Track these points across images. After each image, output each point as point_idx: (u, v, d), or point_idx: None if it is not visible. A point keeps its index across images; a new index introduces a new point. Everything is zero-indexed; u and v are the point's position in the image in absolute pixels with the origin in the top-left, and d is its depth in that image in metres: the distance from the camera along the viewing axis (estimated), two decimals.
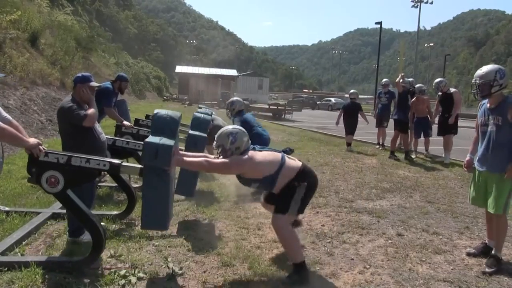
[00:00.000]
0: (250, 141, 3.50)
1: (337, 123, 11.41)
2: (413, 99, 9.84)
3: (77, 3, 45.28)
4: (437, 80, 9.61)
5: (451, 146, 9.33)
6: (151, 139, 3.26)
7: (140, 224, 3.39)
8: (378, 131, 11.70)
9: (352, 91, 12.11)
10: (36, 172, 3.18)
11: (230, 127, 3.49)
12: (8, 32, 12.61)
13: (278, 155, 3.48)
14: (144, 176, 3.32)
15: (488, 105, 3.76)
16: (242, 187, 3.81)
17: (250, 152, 3.38)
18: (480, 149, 3.82)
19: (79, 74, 4.04)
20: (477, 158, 3.87)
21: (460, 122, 9.99)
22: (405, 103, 9.79)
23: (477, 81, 3.69)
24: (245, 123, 5.98)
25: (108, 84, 6.52)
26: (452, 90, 9.32)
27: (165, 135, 3.36)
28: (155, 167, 3.21)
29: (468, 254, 3.96)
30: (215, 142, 3.42)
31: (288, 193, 3.38)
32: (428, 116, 9.80)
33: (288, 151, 3.86)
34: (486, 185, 3.77)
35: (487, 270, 3.57)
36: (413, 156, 9.84)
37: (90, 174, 3.36)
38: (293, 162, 3.50)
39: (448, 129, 9.21)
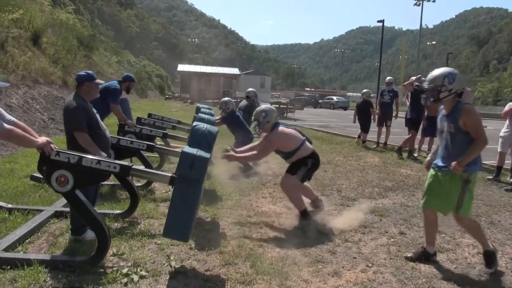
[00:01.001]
0: (278, 117, 4.84)
1: (354, 121, 12.25)
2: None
3: (79, 1, 45.35)
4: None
5: None
6: (188, 149, 3.30)
7: (162, 232, 3.34)
8: (379, 130, 11.57)
9: (364, 90, 12.92)
10: (46, 170, 3.19)
11: (263, 106, 4.85)
12: (10, 31, 12.62)
13: (300, 135, 4.80)
14: (176, 185, 3.29)
15: (444, 111, 3.61)
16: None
17: (280, 128, 4.67)
18: (440, 154, 3.67)
19: (84, 73, 4.07)
20: (437, 161, 3.70)
21: None
22: (418, 102, 9.50)
23: (426, 85, 3.53)
24: (237, 119, 7.69)
25: (115, 83, 6.55)
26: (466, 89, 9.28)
27: (201, 147, 3.41)
28: (189, 177, 3.21)
29: (406, 258, 3.78)
30: (252, 118, 4.80)
31: (300, 163, 4.67)
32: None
33: (309, 140, 5.01)
34: (442, 188, 3.58)
35: (491, 270, 3.51)
36: (415, 155, 9.81)
37: (100, 175, 3.36)
38: (309, 145, 4.85)
39: None
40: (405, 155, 9.70)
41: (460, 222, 3.61)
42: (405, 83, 10.27)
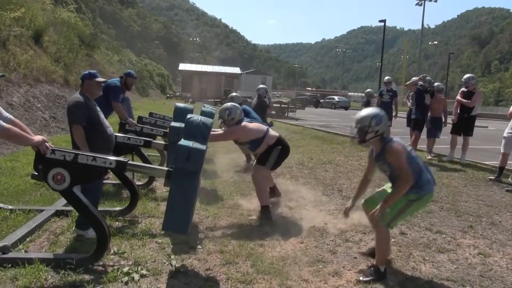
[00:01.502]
0: (243, 114, 5.06)
1: None
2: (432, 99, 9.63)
3: (80, 0, 45.35)
4: (469, 75, 9.37)
5: (468, 147, 9.26)
6: (183, 142, 3.31)
7: (162, 226, 3.36)
8: None
9: (367, 90, 13.21)
10: (42, 169, 3.19)
11: (227, 104, 4.95)
12: (12, 29, 12.63)
13: (264, 126, 5.12)
14: (173, 178, 3.30)
15: (374, 152, 3.53)
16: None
17: (243, 123, 4.94)
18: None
19: (86, 72, 4.16)
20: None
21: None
22: (422, 102, 9.52)
23: (354, 125, 3.43)
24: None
25: (116, 80, 6.57)
26: (478, 90, 9.28)
27: (197, 139, 3.40)
28: (186, 170, 3.22)
29: (360, 253, 3.86)
30: (218, 115, 4.88)
31: (268, 153, 4.89)
32: (443, 116, 9.65)
33: (271, 125, 5.54)
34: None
35: (361, 278, 3.31)
36: (428, 157, 9.66)
37: (97, 172, 3.36)
38: (274, 132, 5.06)
39: (468, 130, 9.13)
40: None
41: (379, 230, 3.40)
42: (407, 83, 10.19)
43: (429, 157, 9.73)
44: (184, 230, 3.35)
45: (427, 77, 9.81)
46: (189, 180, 3.24)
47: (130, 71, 7.08)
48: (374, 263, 3.43)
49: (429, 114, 9.68)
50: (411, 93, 10.13)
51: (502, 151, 7.57)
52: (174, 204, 3.26)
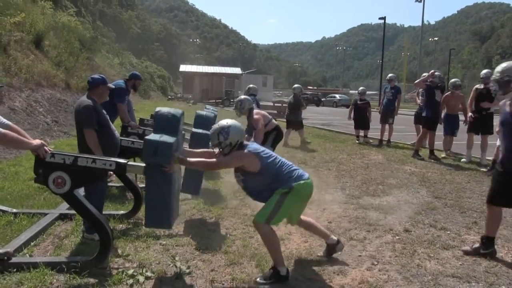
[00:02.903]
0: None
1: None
2: (446, 94, 9.34)
3: (80, 4, 45.39)
4: (488, 70, 8.69)
5: (487, 147, 8.58)
6: (151, 136, 3.30)
7: (144, 223, 3.40)
8: (382, 127, 11.42)
9: (360, 88, 13.01)
10: (43, 173, 3.19)
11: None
12: (13, 34, 12.66)
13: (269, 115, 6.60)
14: (146, 174, 3.31)
15: None
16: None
17: (255, 111, 6.01)
18: None
19: (99, 76, 4.25)
20: None
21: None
22: (432, 99, 9.05)
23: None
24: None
25: (121, 82, 6.60)
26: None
27: (166, 132, 3.38)
28: (157, 164, 3.21)
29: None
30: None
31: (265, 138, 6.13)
32: (461, 114, 9.26)
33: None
34: None
35: (258, 280, 3.21)
36: (443, 155, 9.38)
37: (97, 174, 3.36)
38: (274, 121, 6.61)
39: (487, 128, 8.49)
40: (409, 154, 9.66)
41: (259, 230, 3.30)
42: (416, 82, 9.86)
43: (443, 155, 9.43)
44: (166, 224, 3.40)
45: (436, 73, 9.40)
46: (161, 173, 3.24)
47: (136, 72, 7.13)
48: (273, 264, 3.26)
49: (444, 111, 9.35)
50: (421, 90, 10.03)
51: (498, 144, 7.60)
52: (151, 199, 3.30)
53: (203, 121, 5.14)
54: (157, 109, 3.67)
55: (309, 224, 3.77)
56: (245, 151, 3.29)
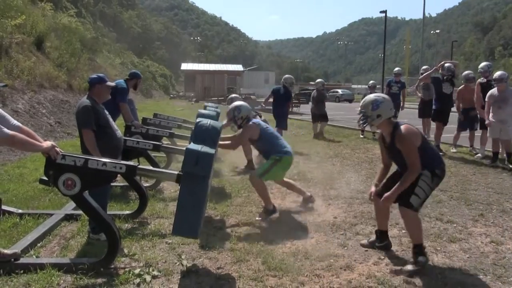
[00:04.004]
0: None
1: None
2: (460, 88, 9.02)
3: (80, 5, 45.44)
4: (485, 63, 8.69)
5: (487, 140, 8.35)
6: (192, 146, 3.31)
7: (172, 230, 3.36)
8: None
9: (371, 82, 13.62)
10: (53, 174, 3.19)
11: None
12: (14, 36, 12.69)
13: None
14: (182, 183, 3.30)
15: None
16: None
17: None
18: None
19: (95, 75, 4.22)
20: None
21: None
22: (440, 91, 8.78)
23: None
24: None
25: (122, 82, 6.59)
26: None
27: (206, 143, 3.40)
28: (195, 174, 3.21)
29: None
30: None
31: None
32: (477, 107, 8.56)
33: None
34: None
35: (257, 218, 4.61)
36: (453, 150, 9.07)
37: (107, 177, 3.37)
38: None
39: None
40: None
41: (252, 182, 4.73)
42: (421, 77, 9.53)
43: (454, 150, 9.09)
44: (194, 233, 3.34)
45: (446, 64, 8.99)
46: (199, 184, 3.24)
47: (136, 71, 7.13)
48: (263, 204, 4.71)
49: (460, 105, 8.94)
50: (422, 83, 9.97)
51: (491, 136, 7.77)
52: (183, 208, 3.25)
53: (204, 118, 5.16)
54: (198, 119, 3.77)
55: (288, 184, 5.21)
56: (250, 123, 4.92)
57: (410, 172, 3.31)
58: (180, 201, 3.28)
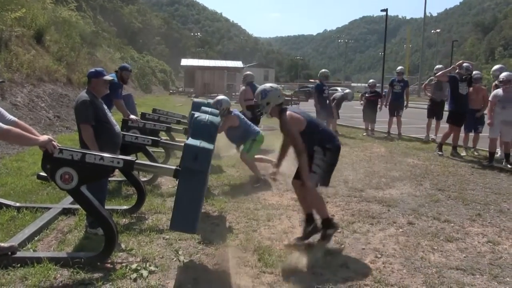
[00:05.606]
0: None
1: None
2: (470, 89, 8.58)
3: None
4: (498, 66, 8.52)
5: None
6: (191, 141, 3.29)
7: (169, 226, 3.36)
8: (390, 120, 11.44)
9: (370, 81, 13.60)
10: (50, 168, 3.18)
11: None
12: (14, 29, 12.64)
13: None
14: (180, 178, 3.29)
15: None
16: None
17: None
18: None
19: (93, 70, 4.20)
20: None
21: None
22: (456, 92, 8.40)
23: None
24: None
25: (113, 75, 6.52)
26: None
27: (204, 138, 3.40)
28: (194, 169, 3.21)
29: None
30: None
31: None
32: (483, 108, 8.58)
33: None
34: None
35: (253, 186, 5.73)
36: (463, 154, 8.72)
37: (104, 171, 3.36)
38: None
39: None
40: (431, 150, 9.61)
41: (242, 158, 6.06)
42: (438, 74, 9.15)
43: (464, 153, 8.75)
44: (192, 229, 3.34)
45: (465, 64, 8.59)
46: (197, 179, 3.24)
47: (125, 64, 7.08)
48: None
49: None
50: (433, 82, 9.89)
51: (490, 136, 7.76)
52: (181, 204, 3.25)
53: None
54: (196, 114, 3.76)
55: (260, 158, 6.39)
56: (232, 114, 6.17)
57: (296, 153, 3.66)
58: (178, 197, 3.27)
